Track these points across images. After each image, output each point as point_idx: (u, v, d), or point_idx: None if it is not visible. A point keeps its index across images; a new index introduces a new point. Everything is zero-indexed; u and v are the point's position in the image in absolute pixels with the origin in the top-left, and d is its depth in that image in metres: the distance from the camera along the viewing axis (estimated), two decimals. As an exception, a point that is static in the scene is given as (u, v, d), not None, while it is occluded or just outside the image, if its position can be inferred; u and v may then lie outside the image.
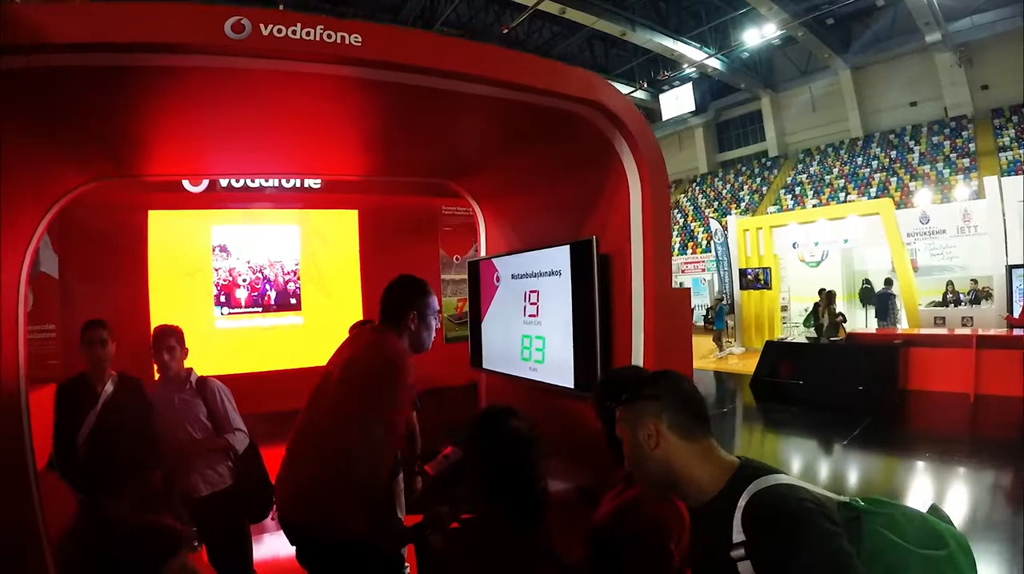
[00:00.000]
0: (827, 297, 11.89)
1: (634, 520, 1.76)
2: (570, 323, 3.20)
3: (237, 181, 10.88)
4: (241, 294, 10.81)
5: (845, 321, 11.90)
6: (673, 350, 2.86)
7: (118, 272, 7.04)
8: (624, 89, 26.20)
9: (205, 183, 10.54)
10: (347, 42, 2.15)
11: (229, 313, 10.92)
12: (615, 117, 2.82)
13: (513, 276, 3.93)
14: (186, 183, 10.35)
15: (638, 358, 2.91)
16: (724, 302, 17.10)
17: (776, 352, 11.55)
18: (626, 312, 2.98)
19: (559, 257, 3.29)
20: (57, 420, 3.15)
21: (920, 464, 6.67)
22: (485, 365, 4.76)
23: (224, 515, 3.25)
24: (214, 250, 11.30)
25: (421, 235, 12.27)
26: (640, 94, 26.58)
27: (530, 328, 3.65)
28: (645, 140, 2.90)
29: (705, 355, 15.57)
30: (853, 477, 6.48)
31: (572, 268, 3.22)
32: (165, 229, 10.91)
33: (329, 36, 2.12)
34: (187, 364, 3.53)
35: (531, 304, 3.62)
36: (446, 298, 12.69)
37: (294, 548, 2.19)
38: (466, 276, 12.83)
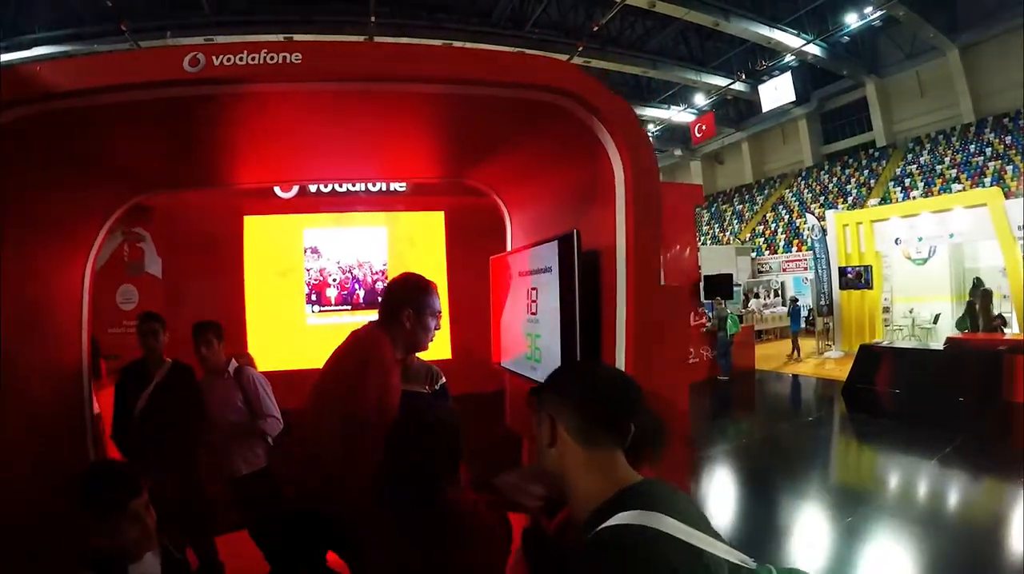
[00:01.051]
0: (983, 296, 11.03)
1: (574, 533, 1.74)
2: (558, 321, 3.18)
3: (326, 186, 11.56)
4: (331, 293, 11.51)
5: (1006, 323, 11.02)
6: (657, 349, 2.76)
7: (217, 273, 7.73)
8: (721, 82, 25.53)
9: (295, 189, 11.24)
10: (288, 61, 2.36)
11: (320, 311, 11.70)
12: (588, 103, 2.73)
13: (519, 274, 4.01)
14: (277, 190, 11.08)
15: (620, 358, 2.79)
16: (799, 302, 16.45)
17: (871, 357, 10.85)
18: (612, 310, 2.88)
19: (549, 254, 3.30)
20: (117, 397, 3.72)
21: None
22: (503, 363, 4.89)
23: (262, 492, 3.64)
24: (305, 251, 12.10)
25: (504, 235, 12.51)
26: (739, 86, 25.75)
27: (531, 326, 3.69)
28: (626, 127, 2.81)
29: (803, 359, 15.06)
30: (928, 500, 5.91)
31: (559, 264, 3.18)
32: (259, 233, 11.76)
33: (272, 58, 2.34)
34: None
35: (532, 302, 3.64)
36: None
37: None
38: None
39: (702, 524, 1.14)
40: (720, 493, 6.40)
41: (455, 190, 13.48)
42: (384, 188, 11.67)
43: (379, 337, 2.40)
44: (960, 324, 11.59)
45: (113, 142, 2.87)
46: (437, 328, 2.62)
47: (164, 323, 3.83)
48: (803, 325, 16.59)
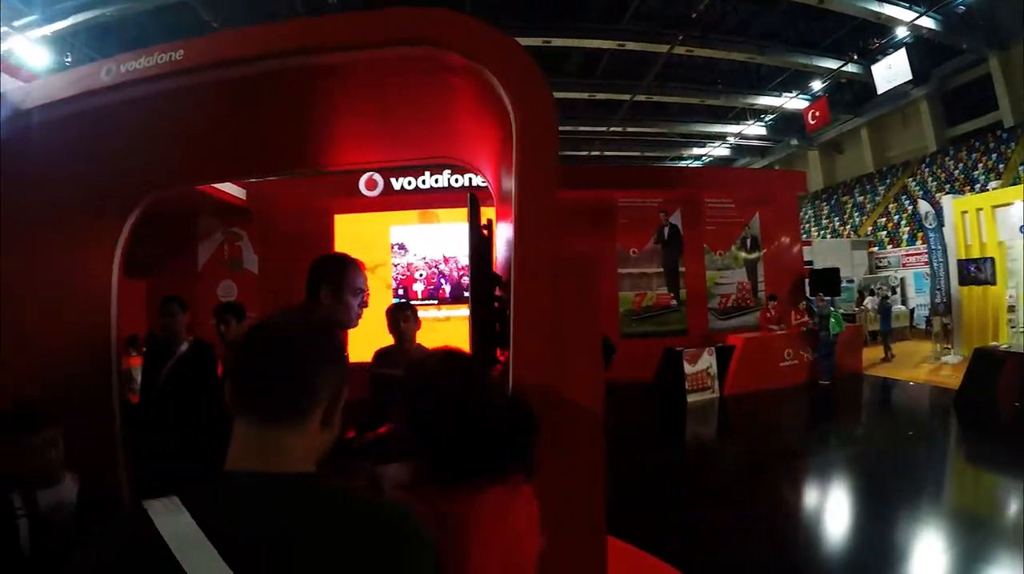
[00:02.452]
0: None
1: None
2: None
3: (409, 184, 12.05)
4: (418, 287, 12.10)
5: None
6: (547, 331, 2.19)
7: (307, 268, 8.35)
8: (833, 64, 24.26)
9: (380, 188, 11.69)
10: (173, 58, 2.60)
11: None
12: (453, 45, 2.33)
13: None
14: (363, 188, 11.61)
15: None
16: (889, 299, 15.62)
17: (988, 364, 9.43)
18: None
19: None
20: (144, 370, 4.50)
21: None
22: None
23: None
24: (393, 247, 12.70)
25: (597, 228, 12.67)
26: (852, 67, 24.41)
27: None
28: (514, 68, 2.31)
29: (918, 364, 14.02)
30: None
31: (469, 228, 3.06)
32: (348, 230, 12.41)
33: (162, 58, 2.61)
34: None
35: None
36: (623, 292, 12.98)
37: None
38: (645, 270, 12.97)
39: None
40: (809, 509, 6.02)
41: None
42: (467, 183, 12.10)
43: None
44: None
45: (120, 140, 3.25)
46: (363, 306, 2.67)
47: (185, 306, 4.56)
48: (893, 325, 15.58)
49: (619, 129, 22.64)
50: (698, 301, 13.50)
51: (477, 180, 12.17)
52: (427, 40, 2.34)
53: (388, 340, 4.30)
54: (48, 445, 2.37)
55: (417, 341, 4.40)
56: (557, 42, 14.31)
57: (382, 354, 4.20)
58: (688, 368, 11.08)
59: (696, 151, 29.45)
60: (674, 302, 13.46)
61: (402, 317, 4.30)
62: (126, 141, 3.23)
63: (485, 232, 3.07)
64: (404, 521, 1.08)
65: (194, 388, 4.17)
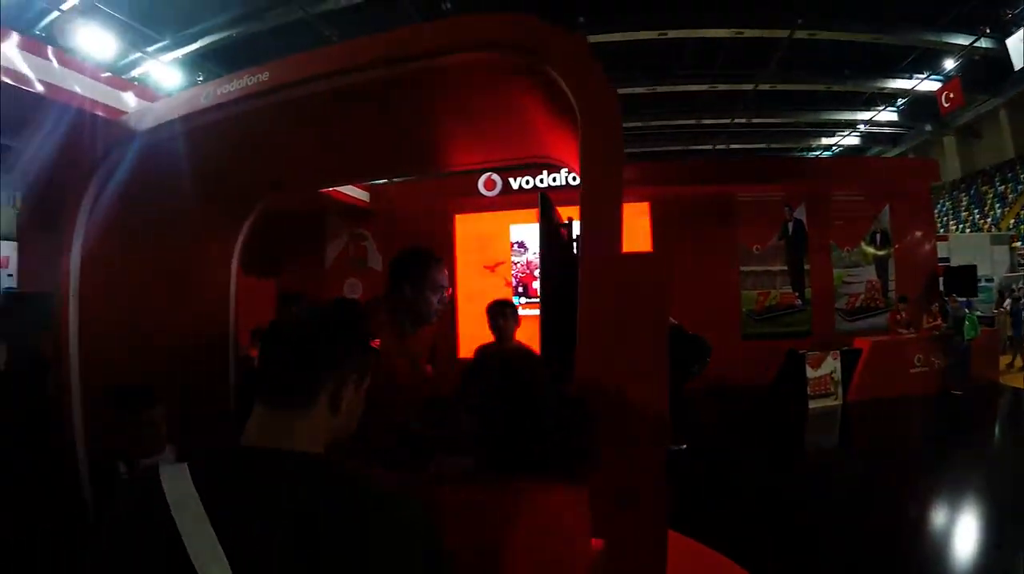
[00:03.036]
0: None
1: None
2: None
3: (527, 183, 12.21)
4: (537, 285, 12.27)
5: None
6: (611, 328, 2.21)
7: None
8: (964, 40, 22.23)
9: (498, 188, 11.94)
10: (258, 79, 2.88)
11: (527, 302, 12.43)
12: (530, 50, 2.37)
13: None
14: (482, 188, 11.90)
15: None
16: (1022, 301, 14.18)
17: None
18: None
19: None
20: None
21: None
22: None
23: None
24: (512, 246, 12.93)
25: (716, 224, 12.83)
26: (984, 42, 22.15)
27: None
28: (575, 62, 2.33)
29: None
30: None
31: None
32: (469, 229, 12.76)
33: (251, 80, 2.87)
34: None
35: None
36: (745, 291, 12.68)
37: None
38: (768, 268, 12.60)
39: None
40: (937, 533, 5.42)
41: (659, 178, 13.39)
42: None
43: (376, 310, 2.61)
44: None
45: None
46: (442, 302, 2.75)
47: (301, 302, 4.96)
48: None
49: (743, 120, 21.90)
50: (824, 301, 12.91)
51: None
52: (496, 44, 2.41)
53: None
54: (158, 421, 2.79)
55: (517, 338, 4.52)
56: (673, 34, 14.00)
57: (485, 351, 4.38)
58: (810, 372, 10.59)
59: (825, 141, 28.00)
60: (799, 302, 12.94)
61: (501, 315, 4.46)
62: (239, 151, 3.61)
63: (564, 232, 3.09)
64: (391, 502, 1.11)
65: None
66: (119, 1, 14.36)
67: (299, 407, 1.19)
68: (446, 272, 2.83)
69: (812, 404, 10.47)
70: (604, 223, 2.24)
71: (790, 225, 12.93)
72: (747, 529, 5.28)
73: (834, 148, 31.82)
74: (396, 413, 2.13)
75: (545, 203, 2.88)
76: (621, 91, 18.11)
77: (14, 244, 22.75)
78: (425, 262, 2.75)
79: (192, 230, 4.06)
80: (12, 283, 19.55)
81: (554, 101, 2.58)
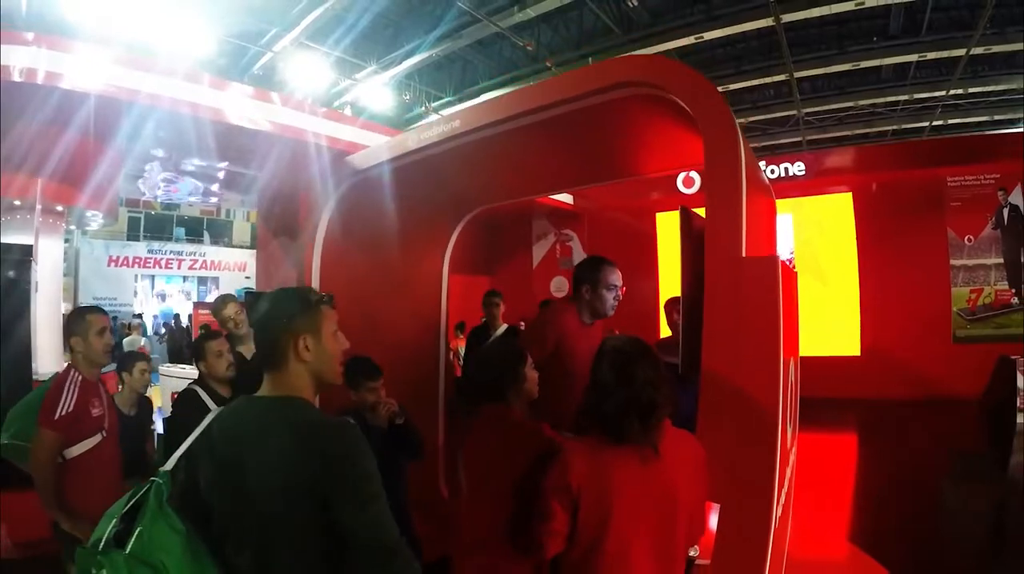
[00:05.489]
0: None
1: None
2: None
3: None
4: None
5: None
6: (733, 330, 2.56)
7: (635, 264, 10.11)
8: None
9: (696, 185, 12.42)
10: (452, 126, 3.72)
11: None
12: (657, 86, 2.89)
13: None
14: (680, 186, 12.40)
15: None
16: None
17: None
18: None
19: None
20: (466, 349, 5.73)
21: None
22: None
23: None
24: None
25: (923, 213, 12.46)
26: None
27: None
28: (694, 91, 2.80)
29: None
30: None
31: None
32: (672, 226, 13.44)
33: (447, 126, 3.82)
34: None
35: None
36: (956, 287, 11.96)
37: None
38: (983, 260, 11.71)
39: None
40: None
41: (860, 164, 12.90)
42: (782, 174, 12.17)
43: (558, 304, 3.69)
44: None
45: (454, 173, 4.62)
46: (617, 299, 3.46)
47: (502, 297, 6.15)
48: None
49: (960, 91, 19.92)
50: None
51: (794, 169, 12.26)
52: (629, 84, 2.98)
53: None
54: (379, 387, 3.65)
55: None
56: (870, 3, 13.22)
57: (661, 345, 4.75)
58: (1023, 381, 9.51)
59: None
60: (1015, 300, 11.79)
61: (676, 310, 4.99)
62: (442, 177, 4.62)
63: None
64: (333, 426, 1.78)
65: None
66: (326, 36, 16.33)
67: (271, 368, 1.88)
68: (618, 274, 3.48)
69: (1022, 419, 9.33)
70: (727, 229, 2.62)
71: (1005, 211, 11.84)
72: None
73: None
74: (577, 385, 2.62)
75: (685, 215, 3.37)
76: (821, 72, 17.44)
77: (250, 251, 26.40)
78: (599, 267, 3.45)
79: (409, 239, 5.09)
80: (250, 284, 22.70)
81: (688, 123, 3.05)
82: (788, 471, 3.20)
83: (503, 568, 2.40)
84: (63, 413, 3.18)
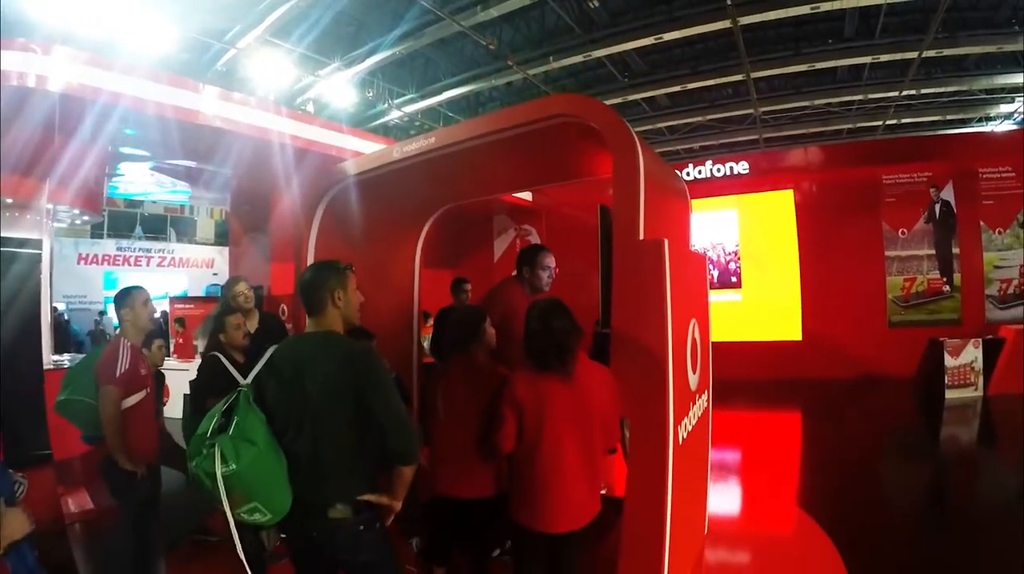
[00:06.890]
0: None
1: None
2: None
3: (688, 176, 13.57)
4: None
5: None
6: (631, 303, 3.36)
7: (588, 250, 11.28)
8: None
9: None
10: (429, 142, 4.36)
11: None
12: (582, 117, 3.60)
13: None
14: None
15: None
16: None
17: None
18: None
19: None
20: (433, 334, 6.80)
21: None
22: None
23: None
24: None
25: (860, 209, 13.95)
26: None
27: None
28: (605, 120, 3.52)
29: None
30: None
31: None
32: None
33: (425, 143, 4.44)
34: None
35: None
36: (891, 277, 13.35)
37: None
38: (916, 252, 12.92)
39: None
40: None
41: (801, 164, 14.18)
42: (728, 172, 13.37)
43: (506, 284, 4.52)
44: None
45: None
46: (551, 278, 4.46)
47: (470, 283, 7.28)
48: None
49: (913, 92, 21.05)
50: (974, 287, 12.90)
51: (738, 168, 13.49)
52: (562, 115, 3.76)
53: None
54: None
55: None
56: (825, 7, 14.20)
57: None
58: (950, 361, 10.72)
59: (1004, 108, 25.85)
60: (946, 288, 13.10)
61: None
62: (418, 181, 5.30)
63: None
64: (361, 349, 2.70)
65: None
66: (290, 33, 16.89)
67: (315, 313, 2.77)
68: (552, 257, 4.48)
69: (950, 394, 10.62)
70: (628, 221, 3.36)
71: (937, 207, 13.17)
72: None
73: (1015, 116, 28.77)
74: (517, 339, 3.45)
75: (604, 210, 4.18)
76: (777, 72, 18.45)
77: (216, 248, 26.86)
78: (536, 252, 4.47)
79: (387, 235, 5.84)
80: (216, 281, 23.10)
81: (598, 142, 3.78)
82: (695, 406, 4.01)
83: (477, 468, 3.48)
84: (122, 370, 3.86)
